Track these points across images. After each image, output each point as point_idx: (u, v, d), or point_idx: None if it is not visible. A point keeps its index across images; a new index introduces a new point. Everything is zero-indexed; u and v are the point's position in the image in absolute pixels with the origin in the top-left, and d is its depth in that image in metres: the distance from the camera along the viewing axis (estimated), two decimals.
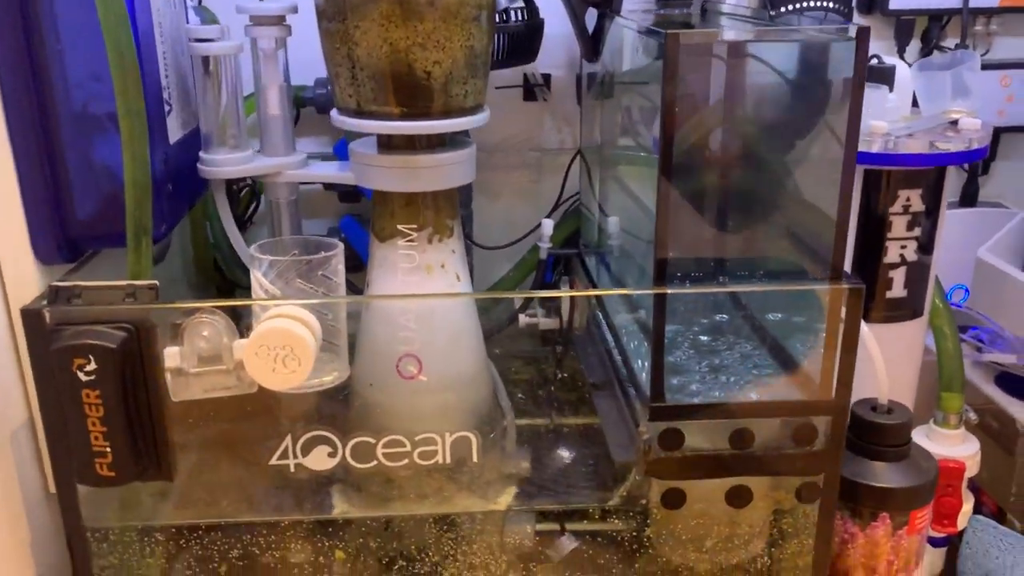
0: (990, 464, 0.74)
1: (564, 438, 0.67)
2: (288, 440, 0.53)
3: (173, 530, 0.56)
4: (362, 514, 0.60)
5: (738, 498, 0.56)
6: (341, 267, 0.56)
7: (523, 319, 0.82)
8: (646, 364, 0.57)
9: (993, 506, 0.80)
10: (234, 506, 0.58)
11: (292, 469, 0.53)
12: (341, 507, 0.60)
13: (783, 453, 0.56)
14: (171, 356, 0.50)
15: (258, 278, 0.55)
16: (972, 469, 0.71)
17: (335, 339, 0.56)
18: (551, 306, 0.83)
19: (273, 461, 0.53)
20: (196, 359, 0.51)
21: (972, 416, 0.74)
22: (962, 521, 0.72)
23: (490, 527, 0.63)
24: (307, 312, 0.51)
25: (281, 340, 0.49)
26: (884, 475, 0.59)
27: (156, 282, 0.51)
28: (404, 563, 0.60)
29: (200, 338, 0.51)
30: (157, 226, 0.54)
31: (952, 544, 0.77)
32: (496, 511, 0.63)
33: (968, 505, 0.72)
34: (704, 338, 0.65)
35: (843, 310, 0.53)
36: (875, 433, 0.60)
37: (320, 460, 0.54)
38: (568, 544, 0.64)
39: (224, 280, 0.80)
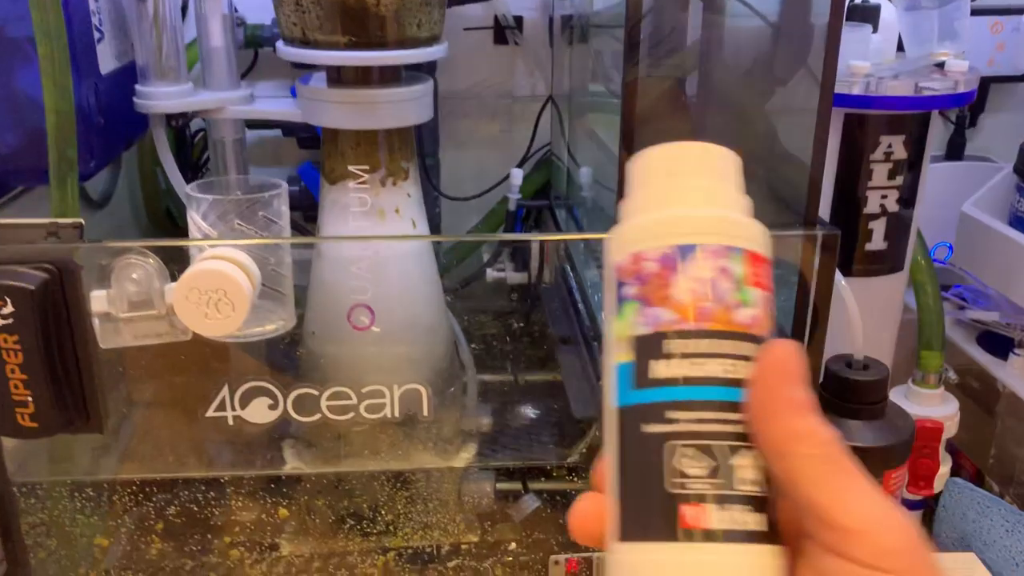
0: (969, 425, 0.72)
1: (527, 394, 0.65)
2: (225, 391, 0.50)
3: (106, 485, 0.53)
4: (312, 470, 0.58)
5: None
6: (285, 209, 0.53)
7: (491, 273, 0.79)
8: None
9: (972, 469, 0.78)
10: (175, 461, 0.55)
11: (230, 422, 0.50)
12: (293, 463, 0.57)
13: None
14: (98, 300, 0.47)
15: (195, 219, 0.51)
16: (950, 430, 0.69)
17: (278, 285, 0.52)
18: (519, 260, 0.80)
19: (210, 413, 0.50)
20: (126, 304, 0.48)
21: (952, 375, 0.71)
22: (939, 484, 0.70)
23: (447, 485, 0.60)
24: (244, 255, 0.47)
25: (213, 283, 0.45)
26: (857, 433, 0.57)
27: (81, 220, 0.47)
28: (354, 522, 0.57)
29: (129, 281, 0.48)
30: (85, 161, 0.50)
31: (928, 507, 0.75)
32: (454, 469, 0.60)
33: (945, 467, 0.70)
34: None
35: (817, 260, 0.50)
36: (849, 389, 0.57)
37: (260, 413, 0.50)
38: (530, 504, 0.61)
39: (178, 229, 0.77)
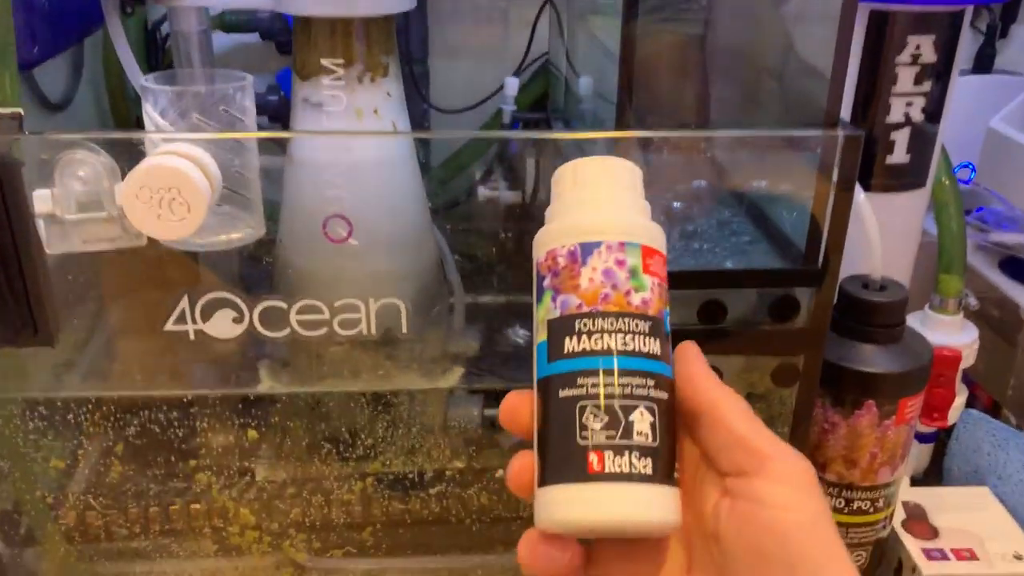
0: (988, 355, 0.68)
1: (518, 317, 0.60)
2: (184, 303, 0.45)
3: (60, 404, 0.49)
4: (288, 390, 0.54)
5: None
6: (250, 105, 0.48)
7: (482, 192, 0.75)
8: None
9: (987, 400, 0.74)
10: (143, 380, 0.51)
11: (192, 336, 0.46)
12: (268, 383, 0.53)
13: (759, 330, 0.49)
14: (41, 200, 0.43)
15: (150, 114, 0.47)
16: (968, 359, 0.65)
17: (244, 189, 0.48)
18: (513, 178, 0.75)
19: (169, 327, 0.46)
20: (73, 204, 0.43)
21: (972, 301, 0.67)
22: (953, 415, 0.66)
23: (432, 409, 0.56)
24: (202, 151, 0.43)
25: (166, 180, 0.41)
26: (873, 358, 0.53)
27: (19, 110, 0.42)
28: (331, 447, 0.53)
29: (75, 179, 0.43)
30: (26, 47, 0.45)
31: (940, 441, 0.72)
32: (439, 393, 0.56)
33: (961, 399, 0.66)
34: (678, 204, 0.57)
35: (837, 166, 0.46)
36: (865, 312, 0.53)
37: (223, 326, 0.46)
38: None
39: None
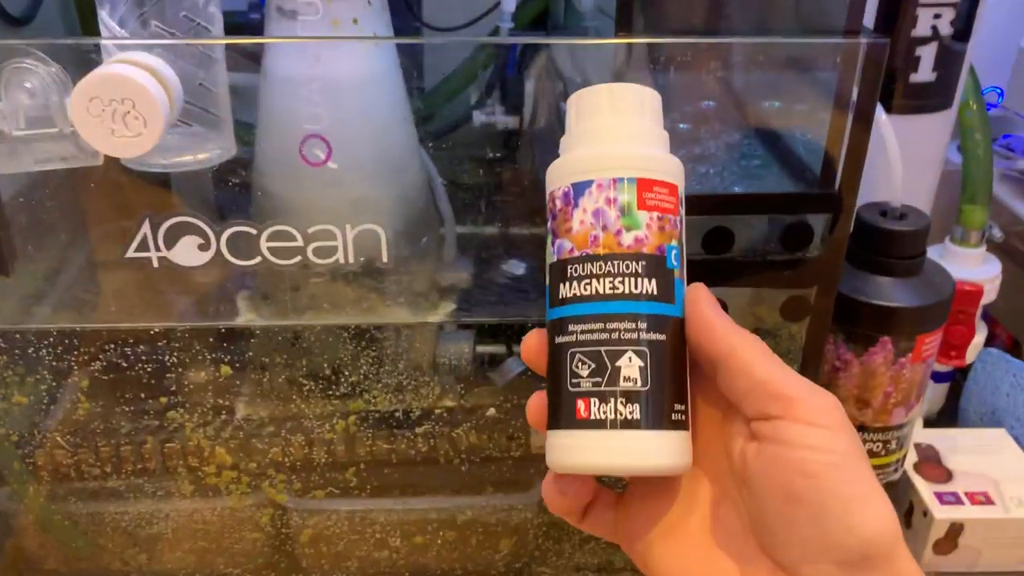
0: (1009, 291, 0.64)
1: (513, 248, 0.57)
2: (146, 228, 0.42)
3: (18, 336, 0.46)
4: (266, 322, 0.51)
5: None
6: (216, 12, 0.44)
7: (478, 117, 0.71)
8: None
9: (1007, 339, 0.71)
10: (117, 311, 0.48)
11: (155, 264, 0.43)
12: (247, 316, 0.50)
13: (769, 260, 0.45)
14: None
15: (106, 22, 0.43)
16: (990, 295, 0.61)
17: (211, 106, 0.44)
18: (511, 103, 0.71)
19: (130, 254, 0.43)
20: (22, 119, 0.40)
21: (996, 233, 0.63)
22: (971, 354, 0.63)
23: (420, 345, 0.53)
24: (159, 61, 0.39)
25: (118, 91, 0.37)
26: (890, 292, 0.49)
27: None
28: (311, 384, 0.50)
29: (23, 91, 0.40)
30: None
31: (955, 381, 0.69)
32: (428, 328, 0.53)
33: (980, 336, 0.63)
34: (684, 126, 0.53)
35: (858, 77, 0.42)
36: (883, 241, 0.49)
37: (188, 254, 0.43)
38: (514, 368, 0.55)
39: None
